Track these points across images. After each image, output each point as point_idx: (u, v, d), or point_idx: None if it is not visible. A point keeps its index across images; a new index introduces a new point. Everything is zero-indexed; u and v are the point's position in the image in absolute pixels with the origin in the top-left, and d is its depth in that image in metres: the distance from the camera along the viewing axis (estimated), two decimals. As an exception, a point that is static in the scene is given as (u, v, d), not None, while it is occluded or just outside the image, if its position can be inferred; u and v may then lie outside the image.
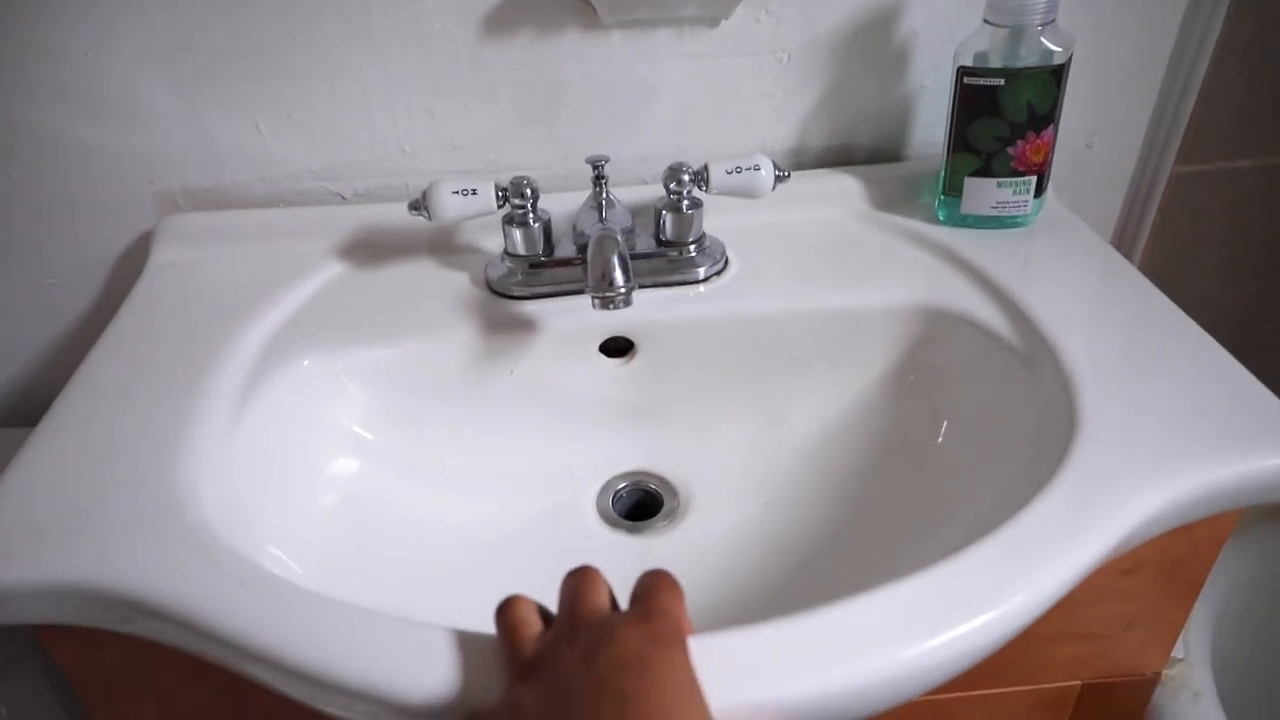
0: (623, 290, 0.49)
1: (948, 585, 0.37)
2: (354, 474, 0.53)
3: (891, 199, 0.66)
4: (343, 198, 0.66)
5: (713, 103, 0.65)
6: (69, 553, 0.40)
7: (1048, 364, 0.50)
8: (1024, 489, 0.42)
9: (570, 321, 0.57)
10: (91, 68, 0.59)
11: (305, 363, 0.54)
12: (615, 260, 0.49)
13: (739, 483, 0.57)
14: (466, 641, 0.36)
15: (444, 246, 0.64)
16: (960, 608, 0.36)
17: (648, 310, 0.57)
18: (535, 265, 0.59)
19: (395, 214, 0.62)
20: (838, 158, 0.68)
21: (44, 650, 0.44)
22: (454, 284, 0.61)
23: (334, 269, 0.62)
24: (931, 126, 0.67)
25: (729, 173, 0.57)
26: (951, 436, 0.54)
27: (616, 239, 0.50)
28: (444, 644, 0.35)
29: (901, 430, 0.56)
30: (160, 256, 0.63)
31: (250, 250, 0.63)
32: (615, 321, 0.57)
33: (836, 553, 0.53)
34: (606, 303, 0.49)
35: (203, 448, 0.46)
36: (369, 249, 0.64)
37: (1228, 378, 0.48)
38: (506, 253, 0.59)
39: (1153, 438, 0.44)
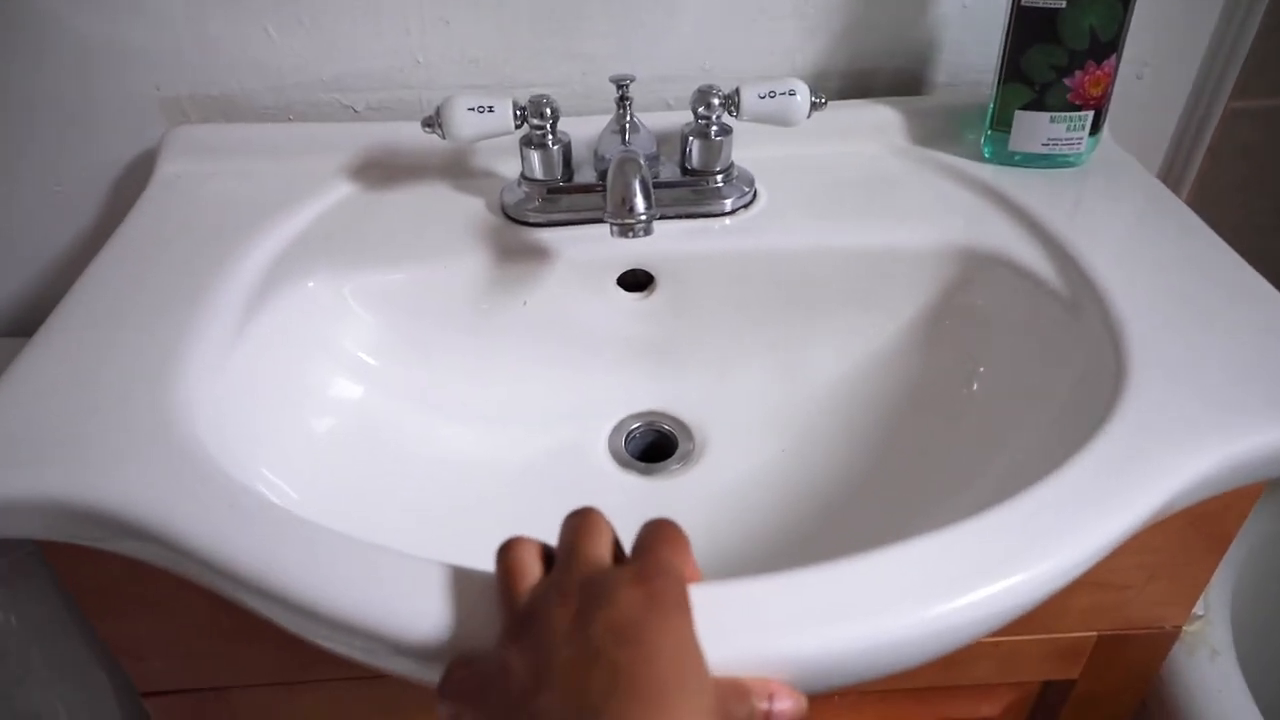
0: (643, 217, 0.46)
1: (972, 545, 0.35)
2: (357, 401, 0.52)
3: (934, 133, 0.62)
4: (355, 111, 0.63)
5: (739, 21, 0.60)
6: (54, 468, 0.38)
7: (1095, 311, 0.47)
8: (1063, 445, 0.40)
9: (588, 251, 0.55)
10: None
11: (310, 284, 0.52)
12: (637, 185, 0.46)
13: (758, 427, 0.55)
14: (465, 579, 0.34)
15: (459, 169, 0.61)
16: (984, 570, 0.34)
17: (670, 242, 0.54)
18: (553, 190, 0.56)
19: (409, 131, 0.58)
20: (865, 83, 0.64)
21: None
22: (469, 208, 0.58)
23: (344, 188, 0.59)
24: (972, 53, 0.63)
25: (761, 97, 0.53)
26: (987, 386, 0.52)
27: (639, 162, 0.47)
28: (440, 580, 0.34)
29: (934, 378, 0.53)
30: (167, 169, 0.60)
31: (259, 166, 0.60)
32: (635, 252, 0.55)
33: (858, 505, 0.50)
34: (626, 230, 0.46)
35: (200, 366, 0.44)
36: (381, 168, 0.61)
37: (1288, 333, 0.45)
38: (524, 176, 0.56)
39: (1207, 394, 0.41)
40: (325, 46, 0.60)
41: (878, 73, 0.63)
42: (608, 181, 0.47)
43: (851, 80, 0.64)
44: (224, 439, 0.42)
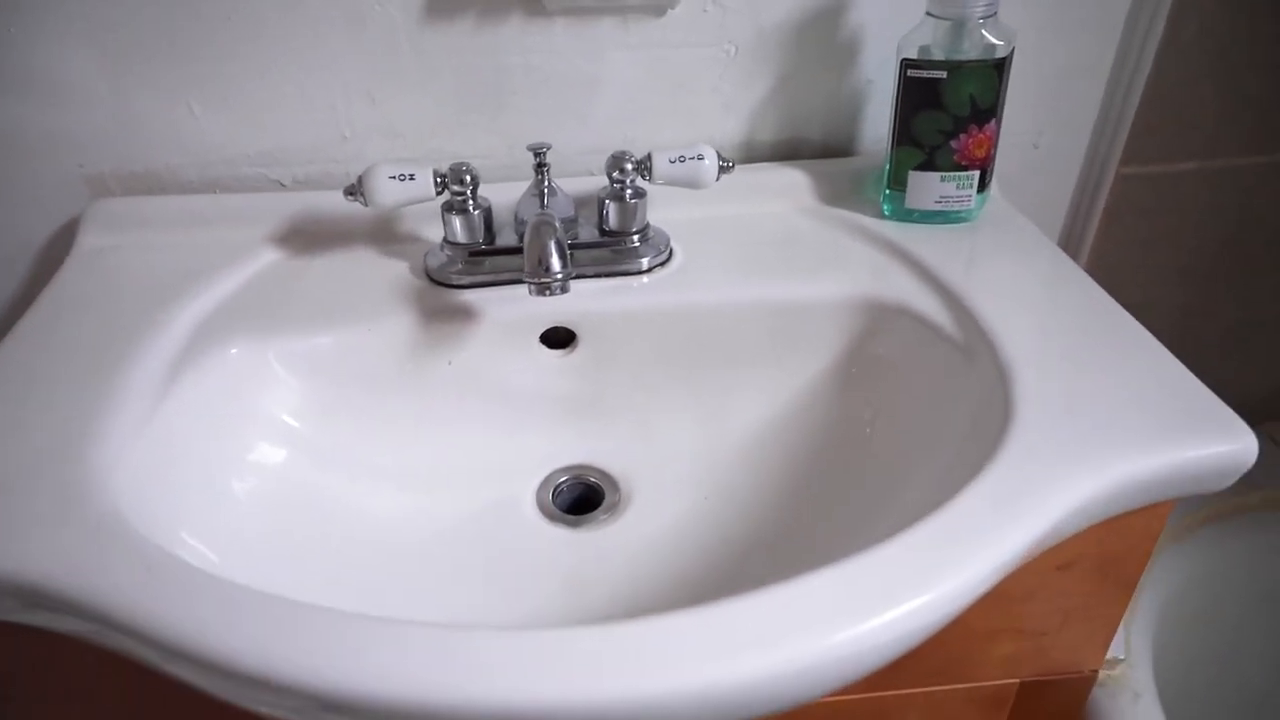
0: (559, 276, 0.48)
1: (874, 572, 0.37)
2: (281, 464, 0.52)
3: (838, 194, 0.66)
4: (282, 184, 0.65)
5: (659, 95, 0.64)
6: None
7: (986, 355, 0.50)
8: (961, 478, 0.42)
9: (510, 311, 0.56)
10: (15, 43, 0.57)
11: (233, 350, 0.52)
12: (552, 245, 0.48)
13: (680, 476, 0.56)
14: (391, 631, 0.34)
15: (384, 235, 0.63)
16: (886, 594, 0.36)
17: (590, 300, 0.57)
18: (475, 254, 0.57)
19: (334, 201, 0.60)
20: (788, 152, 0.68)
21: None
22: (393, 272, 0.59)
23: (268, 256, 0.61)
24: (879, 122, 0.67)
25: (672, 161, 0.56)
26: (892, 427, 0.54)
27: (554, 224, 0.49)
28: (367, 633, 0.34)
29: (843, 422, 0.56)
30: (87, 242, 0.61)
31: (182, 237, 0.61)
32: (556, 311, 0.57)
33: (778, 546, 0.52)
34: (543, 289, 0.48)
35: (118, 434, 0.44)
36: (306, 236, 0.62)
37: (1163, 372, 0.48)
38: (446, 241, 0.58)
39: (1087, 427, 0.44)
40: (250, 123, 0.62)
41: (805, 142, 0.68)
42: (524, 243, 0.49)
43: (781, 148, 0.68)
44: (143, 505, 0.42)
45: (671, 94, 0.64)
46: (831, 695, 0.36)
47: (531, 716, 0.32)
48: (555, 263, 0.48)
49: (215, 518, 0.47)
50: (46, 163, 0.61)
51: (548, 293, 0.48)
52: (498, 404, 0.57)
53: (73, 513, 0.39)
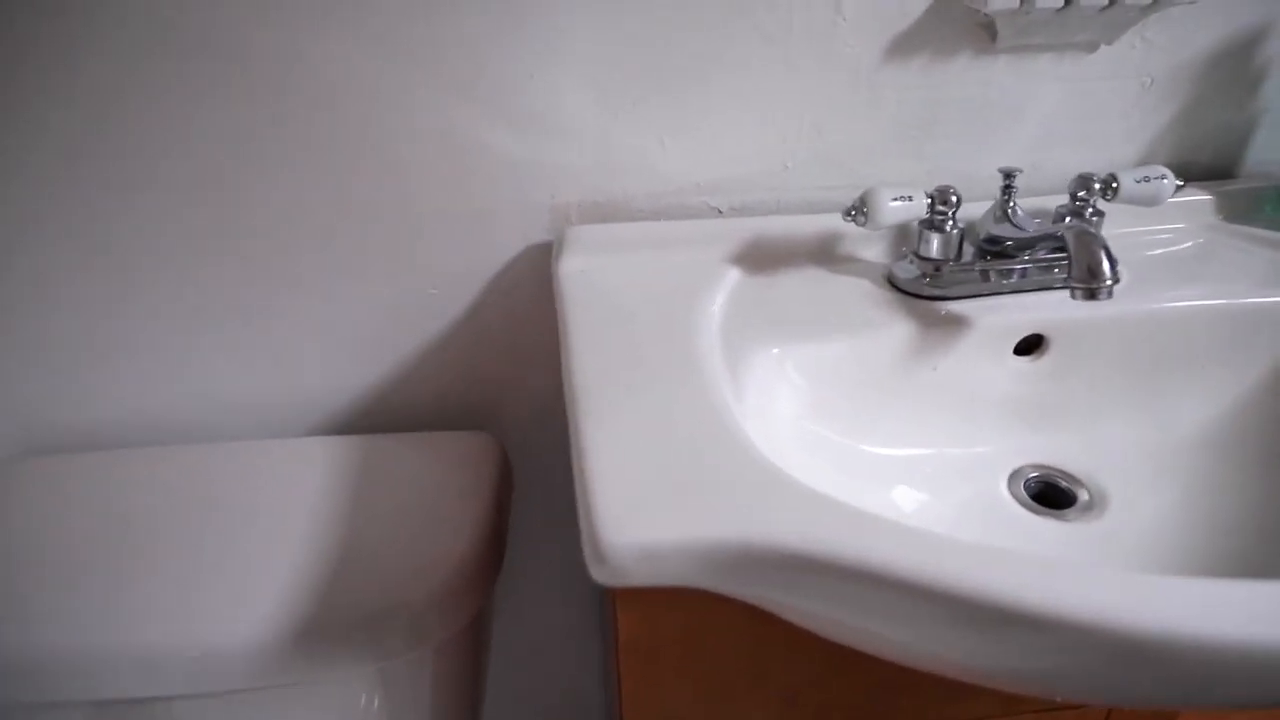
0: (1109, 281, 0.52)
1: None
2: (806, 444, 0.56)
3: (1233, 212, 0.70)
4: (719, 211, 0.70)
5: (1072, 122, 0.69)
6: (710, 515, 0.42)
7: None
8: None
9: (991, 320, 0.61)
10: (533, 88, 0.63)
11: (775, 350, 0.57)
12: (1101, 253, 0.52)
13: (1148, 473, 0.60)
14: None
15: (827, 256, 0.68)
16: None
17: (1061, 310, 0.61)
18: (946, 268, 0.62)
19: (771, 225, 0.66)
20: (1176, 174, 0.72)
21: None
22: (858, 287, 0.64)
23: (733, 274, 0.66)
24: (1267, 147, 0.72)
25: (1138, 181, 0.61)
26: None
27: (1096, 234, 0.54)
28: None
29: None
30: (569, 265, 0.66)
31: (647, 258, 0.67)
32: (1034, 320, 0.61)
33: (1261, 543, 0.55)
34: (1092, 294, 0.53)
35: (738, 414, 0.49)
36: (758, 258, 0.67)
37: None
38: (917, 254, 0.63)
39: None
40: (706, 154, 0.68)
41: (1193, 164, 0.72)
42: (1070, 251, 0.53)
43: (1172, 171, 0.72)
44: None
45: (1083, 121, 0.69)
46: None
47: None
48: (1105, 268, 0.52)
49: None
50: (524, 192, 0.68)
51: (1100, 296, 0.52)
52: (973, 406, 0.62)
53: (772, 482, 0.44)
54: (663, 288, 0.63)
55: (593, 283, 0.65)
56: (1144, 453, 0.61)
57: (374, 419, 0.76)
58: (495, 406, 0.78)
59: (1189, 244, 0.68)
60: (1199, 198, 0.71)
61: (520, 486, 0.82)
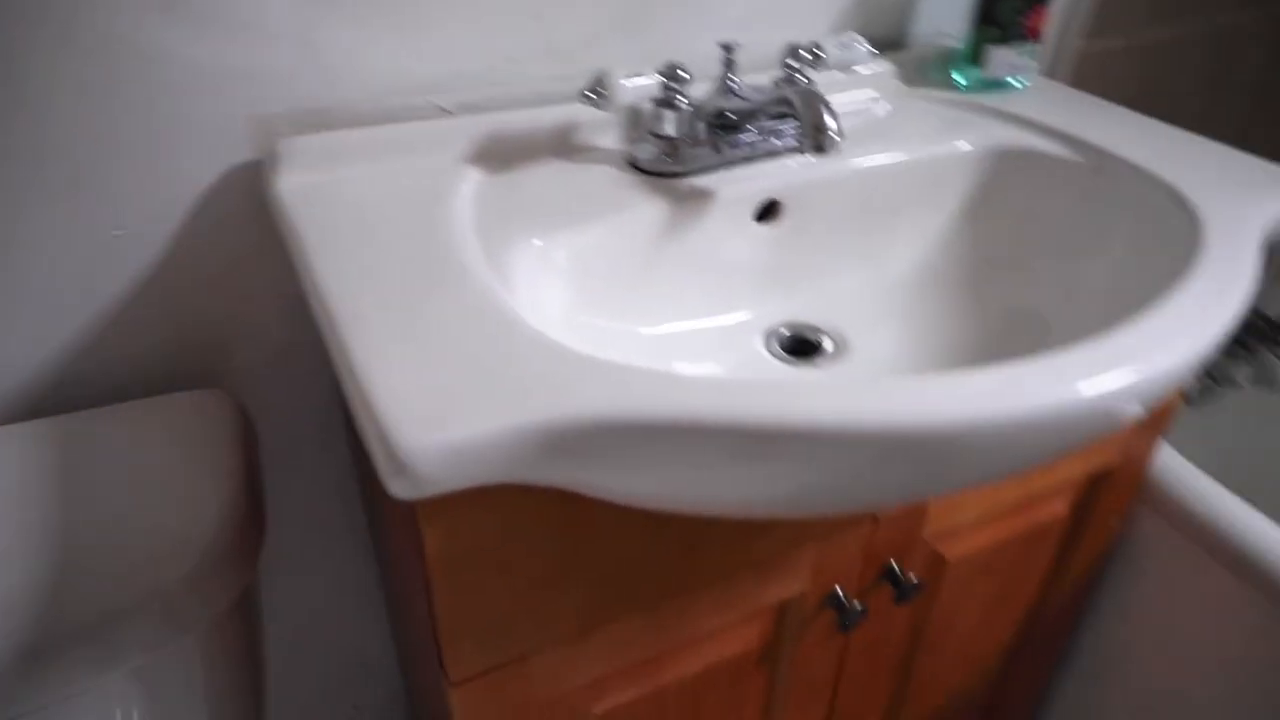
0: (835, 131, 0.56)
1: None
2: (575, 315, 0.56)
3: (910, 77, 0.79)
4: (448, 111, 0.66)
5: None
6: (515, 403, 0.40)
7: (1118, 166, 0.65)
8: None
9: (728, 191, 0.63)
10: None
11: (536, 242, 0.55)
12: (823, 109, 0.56)
13: (881, 316, 0.67)
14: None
15: (565, 147, 0.67)
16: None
17: (791, 175, 0.65)
18: (682, 144, 0.64)
19: (505, 120, 0.64)
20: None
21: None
22: (603, 174, 0.64)
23: (476, 175, 0.63)
24: (929, 19, 0.81)
25: (837, 49, 0.66)
26: (1045, 241, 0.68)
27: (820, 93, 0.57)
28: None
29: (999, 241, 0.69)
30: (289, 182, 0.59)
31: (379, 166, 0.61)
32: (768, 188, 0.64)
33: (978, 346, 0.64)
34: (821, 147, 0.56)
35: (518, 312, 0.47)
36: (497, 156, 0.65)
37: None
38: (653, 134, 0.63)
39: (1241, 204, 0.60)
40: (425, 50, 0.63)
41: (870, 39, 0.78)
42: (797, 109, 0.56)
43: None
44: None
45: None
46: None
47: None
48: (831, 122, 0.56)
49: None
50: (216, 105, 0.59)
51: (828, 149, 0.56)
52: (717, 272, 0.64)
53: (572, 363, 0.43)
54: (402, 194, 0.59)
55: (322, 198, 0.59)
56: (872, 296, 0.68)
57: (69, 394, 0.64)
58: (222, 357, 0.69)
59: (884, 107, 0.75)
60: (883, 68, 0.78)
61: (267, 442, 0.74)
